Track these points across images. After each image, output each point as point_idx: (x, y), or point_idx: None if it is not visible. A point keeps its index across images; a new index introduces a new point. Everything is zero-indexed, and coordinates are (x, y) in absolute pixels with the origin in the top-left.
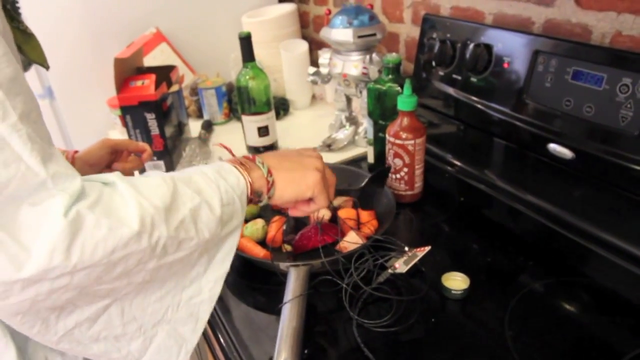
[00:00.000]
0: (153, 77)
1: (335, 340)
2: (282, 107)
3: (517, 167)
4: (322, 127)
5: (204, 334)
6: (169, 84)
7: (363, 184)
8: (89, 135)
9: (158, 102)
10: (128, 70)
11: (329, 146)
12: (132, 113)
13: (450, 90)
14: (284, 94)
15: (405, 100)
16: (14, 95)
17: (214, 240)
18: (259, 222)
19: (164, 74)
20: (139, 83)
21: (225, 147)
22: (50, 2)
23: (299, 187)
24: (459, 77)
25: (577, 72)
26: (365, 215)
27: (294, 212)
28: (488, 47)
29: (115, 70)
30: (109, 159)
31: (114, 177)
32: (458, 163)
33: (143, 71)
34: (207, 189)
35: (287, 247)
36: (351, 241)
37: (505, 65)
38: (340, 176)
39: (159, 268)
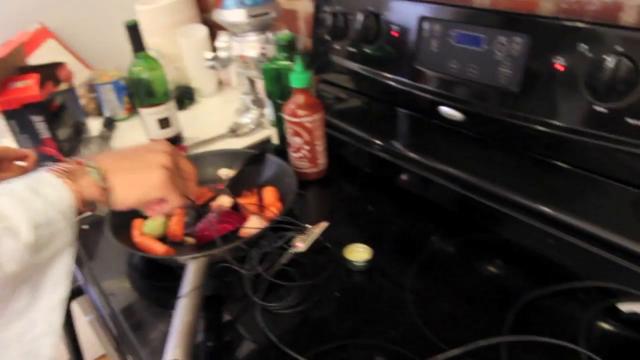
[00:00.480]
0: (36, 76)
1: (240, 329)
2: (186, 96)
3: (417, 134)
4: (229, 113)
5: (116, 348)
6: (57, 83)
7: (235, 173)
8: None
9: (44, 103)
10: (7, 71)
11: (234, 131)
12: (16, 117)
13: (349, 64)
14: (188, 82)
15: (298, 77)
16: None
17: (32, 269)
18: (159, 218)
19: (49, 72)
20: (20, 84)
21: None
22: None
23: (142, 189)
24: (355, 50)
25: (459, 34)
26: (269, 198)
27: (149, 213)
28: (376, 16)
29: None
30: None
31: None
32: (363, 135)
33: (26, 71)
34: (13, 213)
35: (190, 240)
36: (252, 227)
37: (395, 34)
38: (222, 161)
39: None
